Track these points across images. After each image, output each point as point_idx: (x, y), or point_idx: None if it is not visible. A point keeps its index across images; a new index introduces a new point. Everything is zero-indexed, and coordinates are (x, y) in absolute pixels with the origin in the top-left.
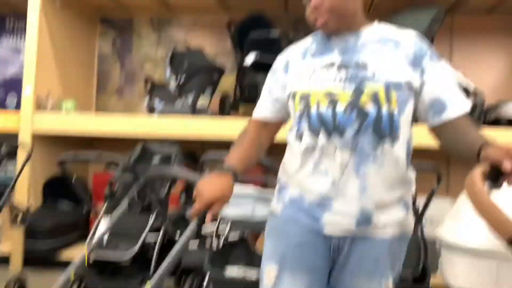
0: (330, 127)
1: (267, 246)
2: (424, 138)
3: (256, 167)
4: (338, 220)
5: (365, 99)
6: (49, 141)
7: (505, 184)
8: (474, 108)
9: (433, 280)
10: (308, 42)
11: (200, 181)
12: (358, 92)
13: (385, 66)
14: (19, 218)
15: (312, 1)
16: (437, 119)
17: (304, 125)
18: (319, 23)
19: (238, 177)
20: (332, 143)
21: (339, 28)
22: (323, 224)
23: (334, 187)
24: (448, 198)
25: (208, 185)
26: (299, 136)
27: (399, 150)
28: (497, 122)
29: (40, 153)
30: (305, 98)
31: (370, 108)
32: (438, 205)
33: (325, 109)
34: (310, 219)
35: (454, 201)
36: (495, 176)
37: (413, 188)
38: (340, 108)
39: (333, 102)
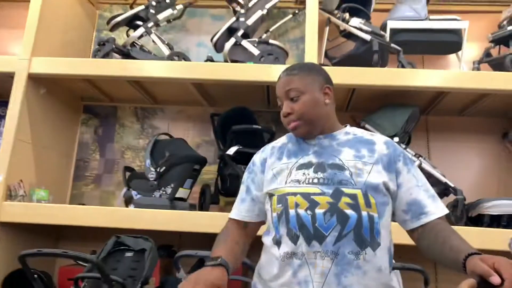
0: (310, 232)
1: None
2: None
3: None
4: None
5: (344, 203)
6: (16, 232)
7: None
8: (456, 205)
9: None
10: (284, 141)
11: (190, 276)
12: (337, 195)
13: (361, 169)
14: None
15: (283, 108)
16: (416, 221)
17: (283, 230)
18: (291, 127)
19: (230, 271)
20: (312, 250)
21: (310, 132)
22: None
23: None
24: None
25: (202, 275)
26: (277, 242)
27: (382, 256)
28: (479, 219)
29: (4, 246)
30: (283, 199)
31: (350, 213)
32: None
33: (303, 211)
34: None
35: None
36: None
37: (399, 286)
38: (320, 211)
39: (312, 205)
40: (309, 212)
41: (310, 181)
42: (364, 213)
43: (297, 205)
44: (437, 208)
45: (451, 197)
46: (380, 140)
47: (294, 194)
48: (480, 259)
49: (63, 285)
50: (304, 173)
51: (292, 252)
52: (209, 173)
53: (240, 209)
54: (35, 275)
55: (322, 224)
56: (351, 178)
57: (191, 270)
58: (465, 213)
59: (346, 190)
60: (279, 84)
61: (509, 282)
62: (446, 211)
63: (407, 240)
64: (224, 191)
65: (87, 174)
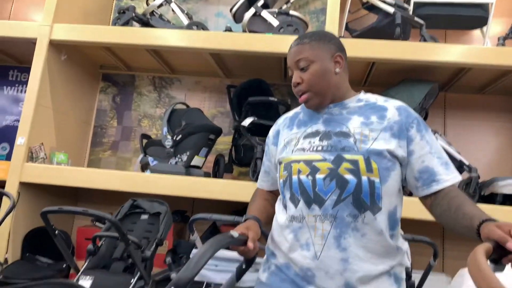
0: (310, 196)
1: None
2: (419, 211)
3: None
4: None
5: (344, 168)
6: (36, 192)
7: (508, 265)
8: (469, 183)
9: None
10: (297, 111)
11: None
12: (338, 161)
13: (367, 136)
14: None
15: (292, 78)
16: (428, 188)
17: (287, 195)
18: (302, 99)
19: (261, 225)
20: (312, 213)
21: (321, 103)
22: None
23: (316, 261)
24: (443, 276)
25: (240, 225)
26: (284, 206)
27: (382, 220)
28: (491, 197)
29: (25, 204)
30: (288, 166)
31: (350, 178)
32: (433, 281)
33: (305, 177)
34: None
35: (449, 279)
36: (498, 256)
37: (406, 260)
38: (320, 176)
39: (313, 171)
40: (310, 177)
41: (314, 148)
42: (364, 178)
43: (299, 172)
44: (449, 175)
45: (465, 175)
46: (392, 106)
47: (298, 161)
48: (496, 225)
49: (80, 244)
50: (310, 142)
51: (293, 216)
52: (224, 143)
53: (260, 180)
54: (56, 232)
55: (321, 188)
56: (354, 145)
57: (204, 234)
58: (478, 191)
59: (347, 156)
60: (290, 53)
61: None
62: (459, 178)
63: (415, 214)
64: (238, 161)
65: (105, 140)
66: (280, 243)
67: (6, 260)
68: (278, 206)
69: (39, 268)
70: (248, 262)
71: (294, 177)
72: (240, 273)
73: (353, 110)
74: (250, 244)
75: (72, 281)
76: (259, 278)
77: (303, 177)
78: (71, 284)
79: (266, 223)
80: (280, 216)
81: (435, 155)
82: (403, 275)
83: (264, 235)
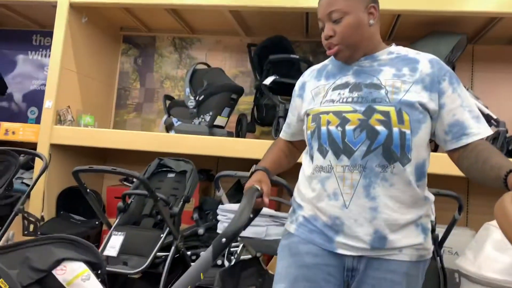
0: (339, 147)
1: (279, 266)
2: (444, 166)
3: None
4: (351, 242)
5: (375, 119)
6: (66, 154)
7: None
8: (496, 137)
9: None
10: (325, 63)
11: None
12: (369, 112)
13: (398, 88)
14: (31, 227)
15: (324, 31)
16: (457, 142)
17: (315, 146)
18: (332, 52)
19: (271, 177)
20: (341, 164)
21: (352, 56)
22: (336, 245)
23: (344, 210)
24: (467, 230)
25: (250, 178)
26: (311, 157)
27: (411, 171)
28: None
29: (56, 165)
30: (317, 118)
31: (381, 129)
32: (457, 236)
33: (334, 128)
34: (323, 239)
35: (473, 233)
36: None
37: (431, 212)
38: (350, 127)
39: (343, 122)
40: (339, 128)
41: (344, 100)
42: (395, 130)
43: (328, 123)
44: (479, 129)
45: (493, 129)
46: (425, 59)
47: (327, 112)
48: None
49: (110, 203)
50: (339, 93)
51: (321, 166)
52: (246, 103)
53: (283, 131)
54: (88, 190)
55: (351, 139)
56: (386, 96)
57: (229, 191)
58: (506, 145)
59: (378, 107)
60: (321, 4)
61: None
62: (490, 132)
63: (440, 169)
64: (260, 120)
65: (129, 102)
66: (307, 194)
67: (42, 218)
68: (305, 157)
69: (73, 225)
70: (256, 212)
71: (323, 128)
72: (247, 223)
73: (384, 62)
74: (266, 200)
75: (75, 237)
76: (287, 230)
77: (332, 128)
78: (73, 239)
79: (275, 173)
80: (307, 167)
81: (467, 109)
82: (429, 226)
83: (273, 183)
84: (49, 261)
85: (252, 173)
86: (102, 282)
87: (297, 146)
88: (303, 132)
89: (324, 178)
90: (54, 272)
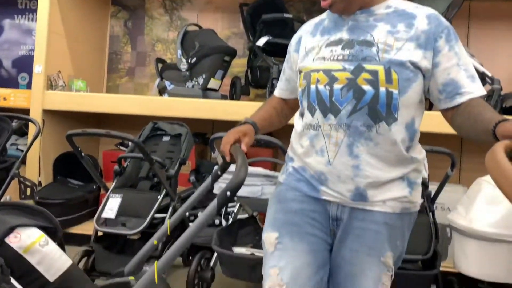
0: (326, 105)
1: (268, 213)
2: (438, 124)
3: (266, 149)
4: (334, 194)
5: (363, 79)
6: (59, 119)
7: None
8: (490, 95)
9: (442, 267)
10: (322, 18)
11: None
12: (357, 71)
13: (391, 45)
14: (28, 191)
15: None
16: (450, 101)
17: (305, 103)
18: (326, 3)
19: (258, 131)
20: (328, 122)
21: (347, 8)
22: (320, 193)
23: (329, 166)
24: (460, 186)
25: (232, 130)
26: (301, 114)
27: (397, 131)
28: None
29: (50, 130)
30: (307, 76)
31: (368, 88)
32: (450, 192)
33: (323, 87)
34: (309, 187)
35: (465, 189)
36: None
37: (424, 168)
38: (338, 86)
39: (331, 81)
40: (327, 87)
41: (335, 58)
42: (382, 89)
43: (317, 81)
44: (474, 88)
45: (487, 88)
46: (422, 14)
47: (317, 70)
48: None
49: (107, 167)
50: (331, 50)
51: (310, 124)
52: (239, 66)
53: (278, 88)
54: (83, 154)
55: (338, 98)
56: (376, 55)
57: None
58: (500, 103)
59: (367, 66)
60: None
61: None
62: (483, 92)
63: (433, 128)
64: (254, 83)
65: (120, 67)
66: (297, 149)
67: (40, 183)
68: (297, 114)
69: (71, 190)
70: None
71: (312, 87)
72: (215, 178)
73: (380, 17)
74: (243, 147)
75: (24, 202)
76: (278, 180)
77: (321, 87)
78: (23, 205)
79: (265, 130)
80: (298, 124)
81: (462, 68)
82: (418, 180)
83: (257, 141)
84: (1, 229)
85: (241, 124)
86: (59, 245)
87: (290, 105)
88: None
89: (312, 136)
90: (7, 240)
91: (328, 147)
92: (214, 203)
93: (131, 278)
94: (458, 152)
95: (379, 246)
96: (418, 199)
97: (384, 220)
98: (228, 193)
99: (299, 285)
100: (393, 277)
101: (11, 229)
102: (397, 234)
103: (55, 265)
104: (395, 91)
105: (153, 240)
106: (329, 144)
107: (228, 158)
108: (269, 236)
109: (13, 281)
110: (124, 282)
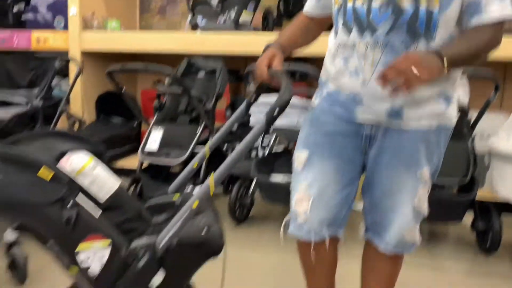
0: (363, 23)
1: (301, 135)
2: None
3: (301, 81)
4: (369, 115)
5: None
6: (97, 58)
7: None
8: None
9: (479, 194)
10: None
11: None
12: None
13: None
14: (76, 126)
15: None
16: (471, 20)
17: (340, 21)
18: None
19: (285, 52)
20: (364, 41)
21: None
22: (355, 114)
23: (364, 87)
24: (501, 114)
25: (259, 59)
26: (335, 33)
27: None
28: None
29: (90, 70)
30: None
31: (407, 6)
32: (490, 120)
33: (360, 5)
34: (343, 110)
35: (507, 116)
36: None
37: (457, 82)
38: (376, 4)
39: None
40: (365, 6)
41: None
42: (422, 6)
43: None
44: (495, 8)
45: None
46: None
47: None
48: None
49: (145, 105)
50: None
51: (345, 44)
52: None
53: (309, 3)
54: (123, 89)
55: (376, 16)
56: None
57: (259, 85)
58: None
59: None
60: None
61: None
62: (508, 13)
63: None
64: (287, 13)
65: (152, 6)
66: (330, 70)
67: (84, 121)
68: (331, 34)
69: (113, 127)
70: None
71: (349, 4)
72: (249, 105)
73: None
74: (278, 67)
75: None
76: (312, 104)
77: (358, 5)
78: (64, 133)
79: (290, 50)
80: (332, 43)
81: None
82: (455, 95)
83: (291, 73)
84: (53, 154)
85: (265, 50)
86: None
87: (317, 23)
88: (331, 5)
89: (347, 55)
90: (59, 165)
91: (363, 67)
92: (262, 121)
93: (177, 194)
94: (501, 77)
95: (416, 161)
96: (453, 114)
97: (421, 137)
98: (277, 109)
99: (325, 200)
100: (429, 190)
101: (62, 154)
102: (433, 149)
103: (105, 186)
104: (436, 9)
105: (194, 163)
106: (365, 65)
107: (269, 80)
108: (299, 155)
109: (81, 195)
110: (170, 202)
